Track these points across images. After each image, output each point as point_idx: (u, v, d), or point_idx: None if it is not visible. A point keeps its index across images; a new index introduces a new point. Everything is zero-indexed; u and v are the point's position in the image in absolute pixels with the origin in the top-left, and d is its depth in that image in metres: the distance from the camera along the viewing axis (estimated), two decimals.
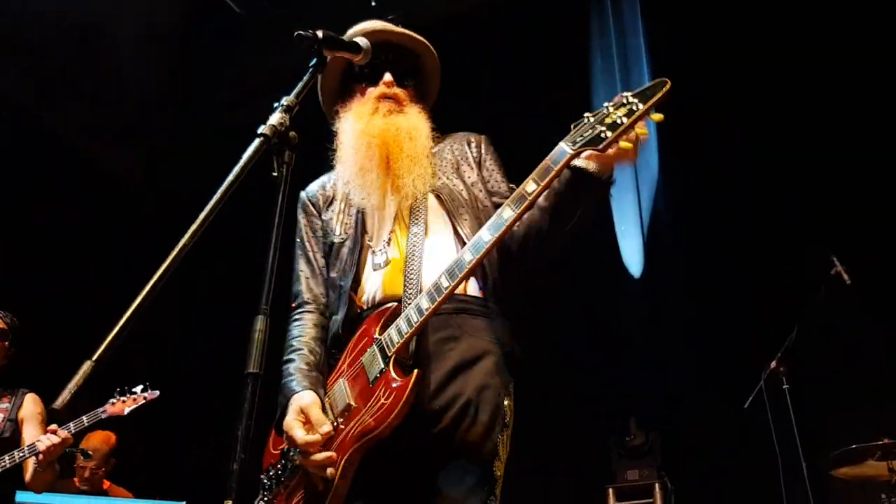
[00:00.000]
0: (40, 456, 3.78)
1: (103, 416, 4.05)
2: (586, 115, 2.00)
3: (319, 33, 2.06)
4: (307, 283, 2.40)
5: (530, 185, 2.02)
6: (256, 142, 1.80)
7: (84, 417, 3.99)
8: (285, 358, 2.27)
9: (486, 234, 2.04)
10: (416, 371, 2.02)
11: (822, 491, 4.43)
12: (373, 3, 6.50)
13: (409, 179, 2.30)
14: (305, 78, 2.01)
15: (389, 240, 2.31)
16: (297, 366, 2.22)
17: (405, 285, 2.19)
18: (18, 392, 4.18)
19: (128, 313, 1.46)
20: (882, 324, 4.87)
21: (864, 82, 5.21)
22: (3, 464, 3.82)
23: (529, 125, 6.28)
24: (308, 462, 2.04)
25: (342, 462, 2.04)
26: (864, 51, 5.23)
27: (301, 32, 2.04)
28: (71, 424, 3.92)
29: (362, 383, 2.10)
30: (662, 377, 5.39)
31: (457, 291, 2.11)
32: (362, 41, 2.21)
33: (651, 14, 6.21)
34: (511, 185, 2.42)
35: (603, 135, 1.91)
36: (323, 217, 2.47)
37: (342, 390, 2.15)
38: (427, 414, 2.05)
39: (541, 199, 2.09)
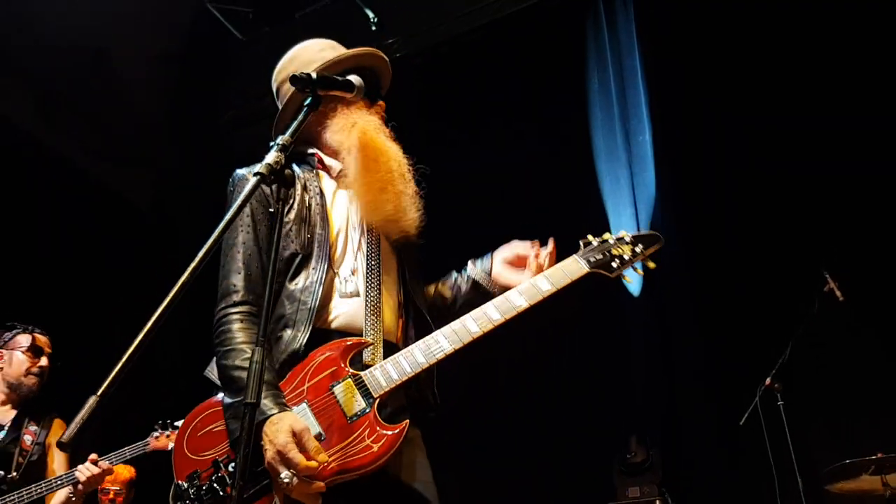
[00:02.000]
0: (79, 486, 3.66)
1: (147, 449, 3.86)
2: (591, 238, 2.45)
3: (313, 74, 2.16)
4: (249, 276, 2.23)
5: (545, 284, 2.30)
6: (253, 181, 1.88)
7: (126, 450, 3.85)
8: (240, 364, 2.08)
9: (495, 314, 2.24)
10: (405, 422, 2.09)
11: None
12: (373, 28, 6.61)
13: (409, 220, 2.40)
14: (300, 117, 2.09)
15: (354, 269, 2.33)
16: (265, 379, 2.01)
17: (367, 321, 2.26)
18: (48, 417, 4.13)
19: (131, 349, 1.53)
20: (875, 339, 4.93)
21: (858, 100, 5.29)
22: (40, 489, 3.70)
23: (528, 145, 6.39)
24: (299, 489, 1.94)
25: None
26: (860, 69, 5.31)
27: (296, 74, 2.13)
28: (113, 456, 3.79)
29: (335, 416, 2.09)
30: (662, 395, 5.44)
31: (393, 342, 2.32)
32: (356, 80, 2.30)
33: (646, 33, 6.29)
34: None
35: (614, 264, 2.39)
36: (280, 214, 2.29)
37: (307, 417, 2.10)
38: None
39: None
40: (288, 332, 2.20)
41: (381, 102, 2.53)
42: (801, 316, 4.36)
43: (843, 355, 4.92)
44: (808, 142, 5.37)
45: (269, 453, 1.95)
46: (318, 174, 2.46)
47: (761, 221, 5.34)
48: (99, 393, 1.48)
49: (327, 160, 2.49)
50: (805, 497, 3.98)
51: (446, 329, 2.22)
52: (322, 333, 2.23)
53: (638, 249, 2.43)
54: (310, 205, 2.35)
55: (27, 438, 3.96)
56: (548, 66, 6.41)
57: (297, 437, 1.96)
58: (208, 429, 2.17)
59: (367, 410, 2.10)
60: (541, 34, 6.31)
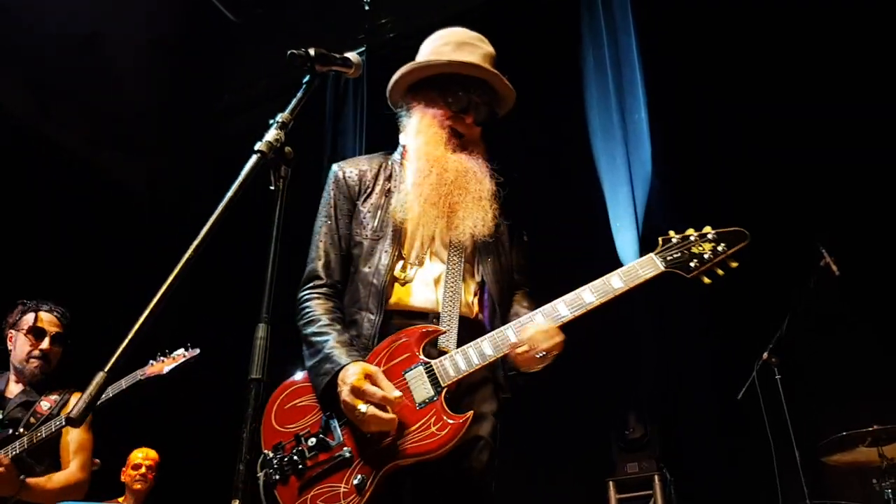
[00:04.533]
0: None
1: (142, 377, 3.70)
2: (672, 234, 2.36)
3: (311, 51, 2.15)
4: (328, 263, 2.47)
5: (616, 282, 2.30)
6: (254, 158, 1.89)
7: (122, 381, 3.68)
8: (316, 331, 2.31)
9: (564, 310, 2.29)
10: (469, 413, 2.18)
11: (816, 478, 4.51)
12: (366, 8, 6.59)
13: (470, 219, 2.45)
14: (299, 95, 2.10)
15: (423, 258, 2.43)
16: (338, 339, 2.26)
17: (444, 308, 2.35)
18: (67, 390, 3.94)
19: (137, 325, 1.55)
20: (870, 313, 4.97)
21: (852, 78, 5.30)
22: (40, 435, 3.58)
23: (523, 124, 6.38)
24: (375, 419, 2.09)
25: (381, 474, 2.14)
26: (854, 49, 5.32)
27: (294, 51, 2.13)
28: (109, 389, 3.61)
29: (405, 402, 2.18)
30: (659, 371, 5.47)
31: (471, 317, 2.41)
32: (353, 57, 2.30)
33: (642, 11, 6.28)
34: (524, 235, 2.70)
35: (692, 263, 2.29)
36: (357, 204, 2.53)
37: None
38: None
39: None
40: (362, 315, 2.37)
41: (468, 120, 2.56)
42: (797, 290, 4.38)
43: (838, 329, 4.96)
44: (802, 118, 5.38)
45: (345, 392, 2.13)
46: (404, 164, 2.61)
47: (758, 197, 5.35)
48: (106, 369, 1.50)
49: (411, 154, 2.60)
50: (803, 469, 4.02)
51: (514, 324, 2.30)
52: (393, 315, 2.36)
53: (720, 248, 2.31)
54: (390, 192, 2.52)
55: (44, 404, 3.82)
56: (543, 44, 6.40)
57: (371, 377, 2.13)
58: (294, 403, 2.33)
59: (435, 399, 2.19)
60: (536, 12, 6.30)
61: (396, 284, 2.40)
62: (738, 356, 4.77)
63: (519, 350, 2.25)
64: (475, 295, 2.48)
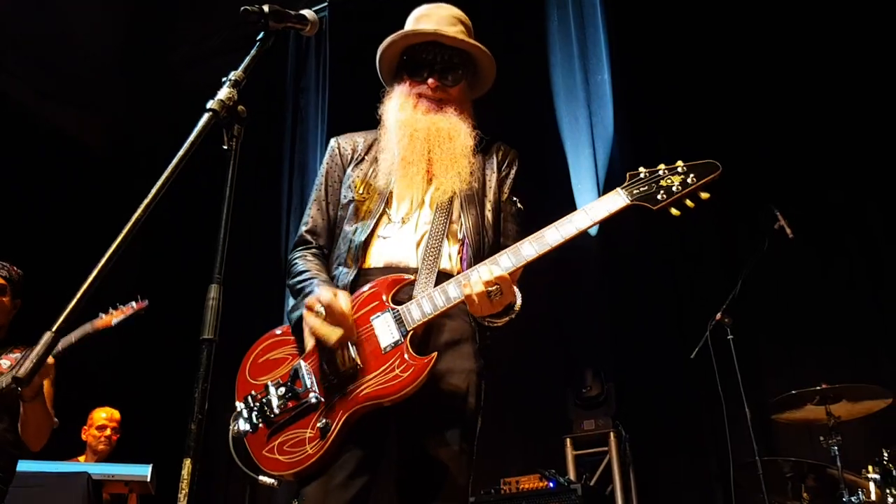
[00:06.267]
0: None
1: (91, 330, 3.78)
2: (641, 169, 2.29)
3: (266, 7, 2.11)
4: (314, 228, 2.59)
5: (581, 217, 2.25)
6: (205, 117, 1.86)
7: (72, 335, 3.73)
8: (302, 278, 2.40)
9: (530, 250, 2.24)
10: (434, 353, 2.19)
11: (766, 435, 4.65)
12: None
13: (448, 176, 2.48)
14: (253, 52, 2.06)
15: (407, 218, 2.47)
16: (323, 280, 2.36)
17: (423, 265, 2.37)
18: (32, 347, 3.84)
19: (84, 286, 1.53)
20: (822, 276, 5.09)
21: (809, 46, 5.36)
22: None
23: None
24: (333, 328, 2.16)
25: (345, 416, 2.17)
26: (811, 18, 5.37)
27: (247, 7, 2.08)
28: (59, 343, 3.60)
29: (372, 347, 2.23)
30: (616, 331, 5.55)
31: (452, 273, 2.37)
32: (309, 14, 2.26)
33: None
34: (517, 203, 2.67)
35: (660, 196, 2.24)
36: (347, 170, 2.62)
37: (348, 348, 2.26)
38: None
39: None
40: (340, 270, 2.45)
41: (429, 82, 2.55)
42: (751, 252, 4.45)
43: (790, 291, 5.07)
44: (765, 82, 5.43)
45: (309, 299, 2.23)
46: (386, 137, 2.63)
47: (718, 159, 5.39)
48: (54, 329, 1.49)
49: None
50: (753, 426, 4.10)
51: (479, 265, 2.27)
52: (368, 272, 2.41)
53: (690, 180, 2.24)
54: (377, 160, 2.58)
55: (4, 363, 3.76)
56: (507, 2, 6.36)
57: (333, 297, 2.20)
58: (267, 356, 2.38)
59: (401, 342, 2.21)
60: None
61: (377, 241, 2.45)
62: (693, 316, 4.86)
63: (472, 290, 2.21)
64: (459, 253, 2.49)
